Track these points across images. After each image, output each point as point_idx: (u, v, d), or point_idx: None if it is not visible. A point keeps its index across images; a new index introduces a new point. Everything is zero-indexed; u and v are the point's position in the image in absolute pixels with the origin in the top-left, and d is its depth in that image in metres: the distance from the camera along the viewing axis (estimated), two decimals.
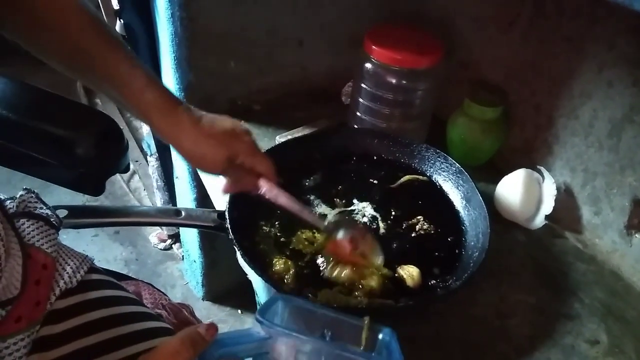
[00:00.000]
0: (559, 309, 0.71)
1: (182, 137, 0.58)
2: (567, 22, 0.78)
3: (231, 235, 0.66)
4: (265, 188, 0.66)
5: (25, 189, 0.57)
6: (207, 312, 1.28)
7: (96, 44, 0.54)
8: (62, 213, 0.62)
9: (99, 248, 1.40)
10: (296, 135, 0.95)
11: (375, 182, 0.84)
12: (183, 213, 0.69)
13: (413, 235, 0.75)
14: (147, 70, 0.57)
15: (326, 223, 0.71)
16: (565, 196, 0.84)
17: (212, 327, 0.42)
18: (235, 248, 0.65)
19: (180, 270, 1.38)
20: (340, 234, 0.69)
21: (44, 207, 0.57)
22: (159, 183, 1.30)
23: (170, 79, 0.97)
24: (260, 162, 0.65)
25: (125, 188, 1.57)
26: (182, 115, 0.58)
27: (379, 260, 0.68)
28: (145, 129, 1.29)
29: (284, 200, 0.67)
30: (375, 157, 0.88)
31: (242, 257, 0.65)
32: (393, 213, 0.78)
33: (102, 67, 0.55)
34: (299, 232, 0.72)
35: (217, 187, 0.84)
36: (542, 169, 0.83)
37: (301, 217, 0.68)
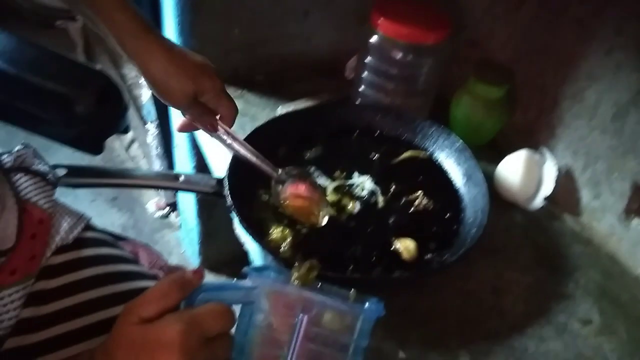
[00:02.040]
0: (553, 289, 0.71)
1: (152, 63, 0.57)
2: (577, 3, 0.77)
3: (229, 202, 0.65)
4: (222, 130, 0.65)
5: (23, 143, 0.56)
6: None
7: None
8: (61, 171, 0.61)
9: (97, 213, 1.39)
10: (298, 107, 0.94)
11: (376, 156, 0.83)
12: (182, 177, 0.69)
13: (411, 210, 0.75)
14: None
15: (279, 172, 0.71)
16: (565, 178, 0.84)
17: (199, 271, 0.43)
18: (233, 215, 0.65)
19: (177, 238, 1.38)
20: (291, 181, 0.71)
21: (42, 163, 0.57)
22: (158, 151, 1.29)
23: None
24: (224, 105, 0.64)
25: (125, 155, 1.57)
26: (153, 40, 0.57)
27: (324, 209, 0.71)
28: (145, 96, 1.28)
29: (238, 147, 0.67)
30: (377, 132, 0.87)
31: (239, 224, 0.65)
32: (393, 188, 0.78)
33: None
34: None
35: (216, 155, 0.84)
36: (544, 150, 0.82)
37: (256, 166, 0.68)
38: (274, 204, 0.70)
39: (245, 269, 0.45)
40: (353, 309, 0.47)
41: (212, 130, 0.65)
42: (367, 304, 0.47)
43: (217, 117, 0.65)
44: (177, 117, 0.66)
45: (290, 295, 0.46)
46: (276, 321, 0.46)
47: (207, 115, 0.63)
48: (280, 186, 0.70)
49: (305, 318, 0.45)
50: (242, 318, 0.45)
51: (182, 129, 0.67)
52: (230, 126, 0.66)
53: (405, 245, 0.68)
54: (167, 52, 0.57)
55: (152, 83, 0.58)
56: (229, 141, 0.67)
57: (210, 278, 1.28)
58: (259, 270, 0.47)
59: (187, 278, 0.41)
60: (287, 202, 0.70)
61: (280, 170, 0.71)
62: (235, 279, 0.47)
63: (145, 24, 0.56)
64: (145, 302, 0.40)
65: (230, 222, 0.72)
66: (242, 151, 0.68)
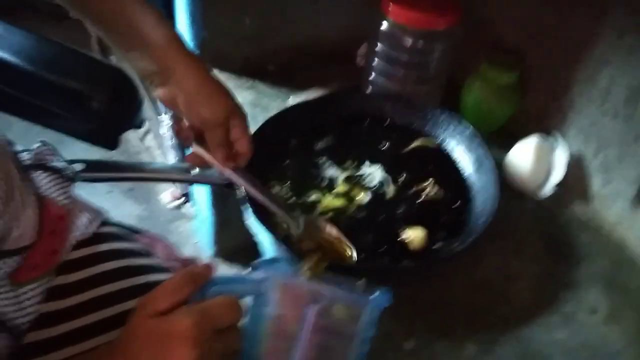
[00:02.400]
0: (561, 277, 0.72)
1: (192, 70, 0.55)
2: None
3: (243, 192, 0.67)
4: (236, 170, 0.62)
5: (42, 141, 0.58)
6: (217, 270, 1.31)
7: None
8: (79, 166, 0.63)
9: (113, 205, 1.43)
10: (309, 97, 0.95)
11: (386, 145, 0.84)
12: (195, 170, 0.70)
13: (421, 199, 0.76)
14: (157, 8, 0.55)
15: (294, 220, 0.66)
16: (576, 165, 0.83)
17: (210, 265, 0.44)
18: (245, 207, 0.66)
19: (191, 228, 1.40)
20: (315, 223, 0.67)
21: (60, 160, 0.59)
22: (172, 141, 1.31)
23: (184, 36, 0.96)
24: (246, 140, 0.60)
25: (140, 146, 1.59)
26: (194, 53, 0.56)
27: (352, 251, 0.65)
28: None
29: (252, 190, 0.63)
30: (388, 121, 0.87)
31: (251, 215, 0.66)
32: (403, 176, 0.78)
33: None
34: (309, 194, 0.73)
35: None
36: (557, 135, 0.81)
37: (270, 209, 0.64)
38: (298, 244, 0.64)
39: (255, 262, 0.47)
40: (360, 299, 0.48)
41: (228, 162, 0.61)
42: (374, 294, 0.48)
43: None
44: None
45: (300, 287, 0.47)
46: (286, 313, 0.47)
47: (225, 146, 0.60)
48: (296, 230, 0.65)
49: (314, 309, 0.47)
50: (252, 309, 0.47)
51: (193, 161, 0.63)
52: (243, 166, 0.63)
53: (415, 234, 0.68)
54: (205, 66, 0.57)
55: (193, 93, 0.55)
56: (241, 181, 0.62)
57: (223, 268, 1.31)
58: (270, 262, 0.49)
59: (198, 272, 0.43)
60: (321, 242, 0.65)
61: (297, 217, 0.66)
62: (247, 269, 0.48)
63: (184, 39, 0.56)
64: (158, 295, 0.41)
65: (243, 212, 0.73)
66: (258, 195, 0.63)
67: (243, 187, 0.64)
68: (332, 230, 0.67)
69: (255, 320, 0.47)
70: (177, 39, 0.55)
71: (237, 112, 0.59)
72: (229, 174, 0.62)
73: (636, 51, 0.72)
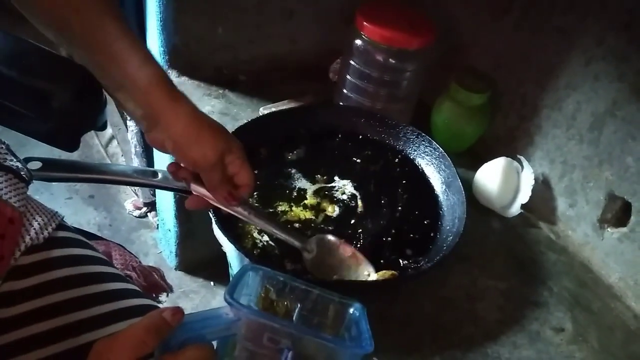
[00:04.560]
0: (528, 296, 0.72)
1: (180, 116, 0.52)
2: (559, 14, 0.78)
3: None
4: (242, 204, 0.60)
5: None
6: (179, 282, 1.26)
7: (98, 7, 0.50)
8: (36, 165, 0.60)
9: (72, 211, 1.37)
10: (281, 108, 0.94)
11: (358, 160, 0.83)
12: (160, 175, 0.67)
13: (390, 216, 0.75)
14: (146, 46, 0.53)
15: (307, 245, 0.65)
16: (542, 187, 0.85)
17: (178, 311, 0.40)
18: (210, 215, 0.64)
19: (154, 238, 1.36)
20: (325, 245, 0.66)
21: (14, 160, 0.55)
22: (137, 149, 1.27)
23: (154, 41, 0.95)
24: (246, 171, 0.58)
25: (103, 153, 1.54)
26: (183, 95, 0.54)
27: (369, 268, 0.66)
28: None
29: (258, 220, 0.62)
30: (360, 136, 0.87)
31: (216, 224, 0.64)
32: (373, 193, 0.78)
33: (97, 29, 0.50)
34: (277, 204, 0.72)
35: None
36: (522, 158, 0.83)
37: (280, 237, 0.63)
38: (314, 273, 0.64)
39: (225, 297, 0.43)
40: (339, 345, 0.46)
41: (231, 200, 0.59)
42: (349, 342, 0.46)
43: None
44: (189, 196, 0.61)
45: (274, 327, 0.44)
46: (258, 353, 0.44)
47: (226, 183, 0.58)
48: (309, 254, 0.64)
49: (291, 354, 0.44)
50: (221, 350, 0.44)
51: (193, 206, 0.61)
52: (248, 197, 0.61)
53: (384, 275, 0.66)
54: (195, 108, 0.54)
55: (181, 139, 0.53)
56: (248, 213, 0.60)
57: (186, 280, 1.27)
58: (239, 285, 0.46)
59: (164, 321, 0.39)
60: (341, 263, 0.65)
61: (309, 241, 0.65)
62: (212, 282, 0.45)
63: (170, 79, 0.54)
64: (119, 348, 0.37)
65: (208, 223, 0.71)
66: (265, 224, 0.62)
67: (254, 222, 0.62)
68: (345, 249, 0.66)
69: None
70: (163, 81, 0.52)
71: (231, 148, 0.56)
72: (234, 211, 0.60)
73: (602, 79, 0.74)
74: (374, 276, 0.64)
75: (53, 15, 0.51)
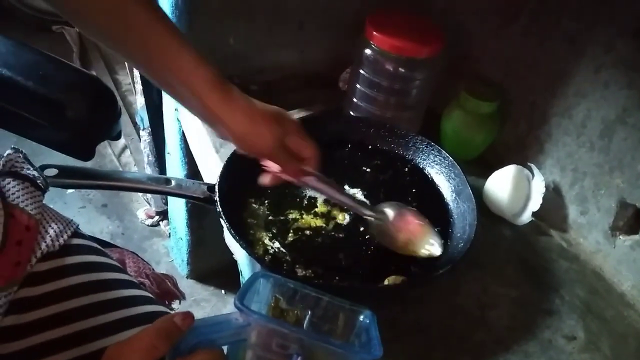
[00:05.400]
0: (539, 304, 0.72)
1: (236, 114, 0.55)
2: (568, 21, 0.79)
3: (219, 208, 0.65)
4: (311, 177, 0.64)
5: (14, 148, 0.56)
6: (190, 290, 1.27)
7: (146, 15, 0.51)
8: (52, 172, 0.61)
9: (86, 220, 1.39)
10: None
11: (368, 170, 0.84)
12: (173, 182, 0.69)
13: None
14: (194, 47, 0.54)
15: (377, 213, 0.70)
16: (553, 194, 0.85)
17: (188, 316, 0.41)
18: (222, 222, 0.65)
19: (166, 247, 1.38)
20: (391, 214, 0.70)
21: (31, 168, 0.57)
22: (150, 158, 1.29)
23: None
24: (308, 145, 0.62)
25: (116, 162, 1.56)
26: (235, 92, 0.56)
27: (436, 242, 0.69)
28: (139, 103, 1.28)
29: (330, 191, 0.66)
30: (370, 146, 0.88)
31: (228, 230, 0.64)
32: (382, 201, 0.78)
33: (147, 38, 0.51)
34: (288, 212, 0.73)
35: (208, 164, 0.84)
36: (533, 166, 0.83)
37: (350, 207, 0.68)
38: (380, 242, 0.69)
39: (235, 303, 0.43)
40: (348, 350, 0.46)
41: (301, 175, 0.63)
42: (359, 347, 0.46)
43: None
44: (264, 169, 0.64)
45: (284, 332, 0.44)
46: (268, 359, 0.44)
47: (292, 160, 0.61)
48: (380, 223, 0.69)
49: (300, 359, 0.44)
50: (232, 355, 0.44)
51: (268, 182, 0.65)
52: (317, 168, 0.64)
53: (394, 280, 0.67)
54: (247, 100, 0.57)
55: (242, 134, 0.56)
56: (320, 186, 0.65)
57: (197, 289, 1.28)
58: (249, 292, 0.47)
59: (175, 326, 0.40)
60: (403, 235, 0.69)
61: (378, 209, 0.70)
62: (223, 290, 0.46)
63: (222, 75, 0.56)
64: (131, 352, 0.38)
65: (219, 232, 0.72)
66: (336, 194, 0.67)
67: (323, 191, 0.66)
68: (416, 219, 0.70)
69: None
70: (216, 82, 0.54)
71: (287, 129, 0.59)
72: (307, 184, 0.65)
73: (611, 86, 0.74)
74: (438, 249, 0.68)
75: (109, 33, 0.52)
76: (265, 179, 0.65)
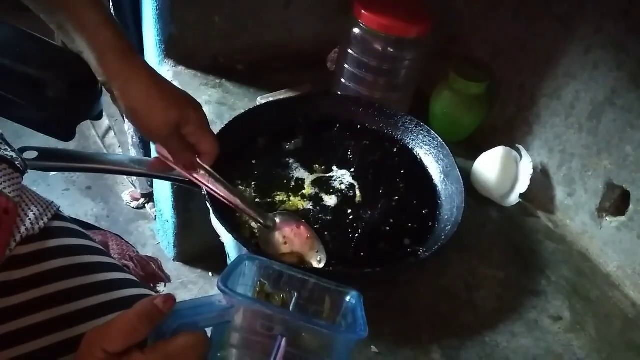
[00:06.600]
0: (526, 285, 0.72)
1: (134, 83, 0.52)
2: (557, 1, 0.78)
3: (204, 191, 0.64)
4: (203, 172, 0.60)
5: None
6: (177, 272, 1.26)
7: None
8: (32, 155, 0.59)
9: (70, 203, 1.37)
10: (278, 97, 0.93)
11: (356, 150, 0.83)
12: None
13: (388, 205, 0.75)
14: (107, 8, 0.52)
15: (266, 220, 0.65)
16: (540, 176, 0.85)
17: (170, 298, 0.40)
18: (208, 204, 0.64)
19: (152, 230, 1.36)
20: (284, 226, 0.66)
21: (9, 150, 0.55)
22: (134, 140, 1.27)
23: (150, 30, 0.94)
24: (208, 140, 0.58)
25: (100, 144, 1.53)
26: (138, 60, 0.53)
27: (322, 251, 0.65)
28: None
29: (220, 189, 0.61)
30: (359, 126, 0.87)
31: (214, 214, 0.64)
32: (371, 182, 0.77)
33: None
34: (275, 194, 0.72)
35: None
36: (521, 147, 0.83)
37: (241, 210, 0.63)
38: (264, 250, 0.64)
39: (219, 284, 0.42)
40: (333, 331, 0.46)
41: (190, 169, 0.59)
42: (345, 328, 0.46)
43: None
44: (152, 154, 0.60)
45: (268, 314, 0.44)
46: (252, 341, 0.44)
47: (186, 151, 0.58)
48: (270, 232, 0.65)
49: (284, 340, 0.43)
50: (216, 337, 0.43)
51: (155, 168, 0.61)
52: (210, 165, 0.61)
53: None
54: (151, 75, 0.53)
55: (132, 107, 0.53)
56: (208, 183, 0.61)
57: (184, 271, 1.27)
58: (233, 274, 0.46)
59: (156, 308, 0.39)
60: (287, 244, 0.65)
61: (269, 216, 0.66)
62: (210, 273, 0.45)
63: (130, 44, 0.53)
64: (111, 335, 0.37)
65: (206, 214, 0.70)
66: (225, 194, 0.62)
67: (209, 189, 0.61)
68: (303, 230, 0.65)
69: (219, 349, 0.43)
70: (119, 44, 0.51)
71: (188, 119, 0.56)
72: (196, 179, 0.60)
73: (601, 67, 0.74)
74: (322, 264, 0.64)
75: None
76: (152, 165, 0.61)
